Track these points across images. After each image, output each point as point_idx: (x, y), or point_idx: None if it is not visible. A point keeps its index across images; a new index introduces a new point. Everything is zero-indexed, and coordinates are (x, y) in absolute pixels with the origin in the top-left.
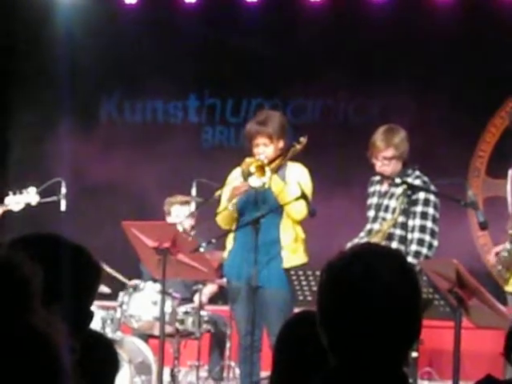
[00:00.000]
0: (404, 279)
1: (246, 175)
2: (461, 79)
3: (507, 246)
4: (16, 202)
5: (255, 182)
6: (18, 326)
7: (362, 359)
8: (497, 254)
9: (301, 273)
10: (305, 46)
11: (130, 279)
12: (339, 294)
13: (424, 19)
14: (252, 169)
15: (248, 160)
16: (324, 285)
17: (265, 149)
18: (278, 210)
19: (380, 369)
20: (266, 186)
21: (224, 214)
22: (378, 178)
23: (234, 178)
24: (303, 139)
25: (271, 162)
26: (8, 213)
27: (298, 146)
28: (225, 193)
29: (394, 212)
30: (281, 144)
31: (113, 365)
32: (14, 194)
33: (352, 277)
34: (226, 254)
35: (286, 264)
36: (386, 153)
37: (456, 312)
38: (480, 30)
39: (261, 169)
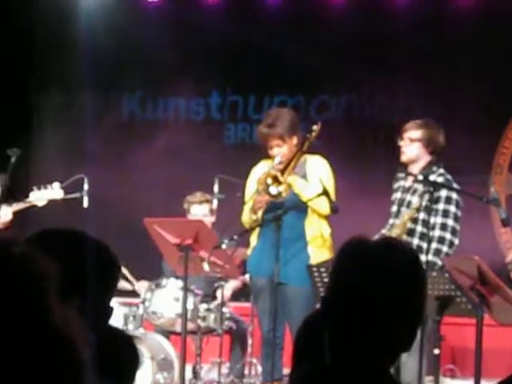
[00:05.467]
0: (413, 279)
1: (265, 190)
2: (484, 77)
3: None
4: (40, 197)
5: (274, 190)
6: (34, 324)
7: (357, 356)
8: None
9: (323, 269)
10: (328, 42)
11: (151, 277)
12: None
13: (448, 19)
14: (269, 181)
15: (261, 177)
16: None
17: (279, 150)
18: (301, 206)
19: (370, 368)
20: (284, 195)
21: (248, 218)
22: (402, 174)
23: (258, 172)
24: (316, 127)
25: (285, 167)
26: (32, 209)
27: (313, 135)
28: (248, 187)
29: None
30: (294, 141)
31: (134, 361)
32: (39, 189)
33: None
34: (249, 251)
35: (314, 260)
36: (412, 133)
37: (478, 309)
38: (502, 29)
39: (276, 179)
